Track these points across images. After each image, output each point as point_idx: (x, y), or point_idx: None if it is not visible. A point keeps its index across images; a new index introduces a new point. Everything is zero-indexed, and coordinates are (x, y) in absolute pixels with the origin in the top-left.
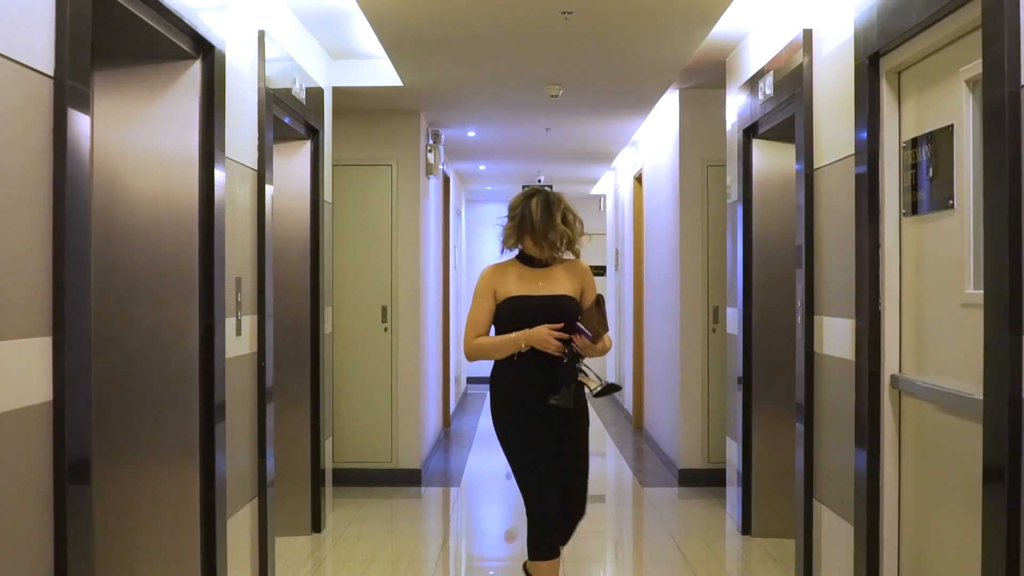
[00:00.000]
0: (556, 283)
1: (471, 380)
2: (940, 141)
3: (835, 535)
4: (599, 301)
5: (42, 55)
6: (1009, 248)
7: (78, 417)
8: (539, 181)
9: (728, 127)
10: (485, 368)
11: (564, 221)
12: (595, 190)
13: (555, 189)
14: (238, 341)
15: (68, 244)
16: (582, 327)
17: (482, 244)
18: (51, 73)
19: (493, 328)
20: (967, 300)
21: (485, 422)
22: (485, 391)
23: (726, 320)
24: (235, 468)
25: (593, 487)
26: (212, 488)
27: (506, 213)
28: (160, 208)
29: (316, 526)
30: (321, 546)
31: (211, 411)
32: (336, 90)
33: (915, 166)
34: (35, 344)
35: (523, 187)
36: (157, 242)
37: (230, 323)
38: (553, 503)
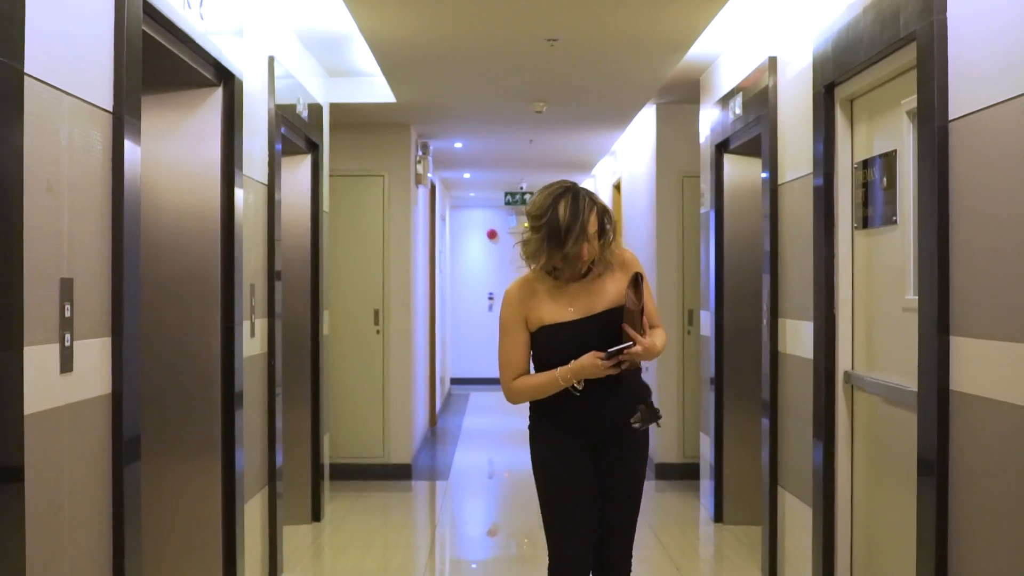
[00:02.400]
0: (597, 295)
1: (455, 381)
2: (886, 164)
3: (797, 518)
4: (636, 281)
5: (103, 93)
6: (938, 260)
7: (131, 408)
8: (521, 188)
9: (702, 141)
10: (468, 369)
11: (601, 231)
12: None
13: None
14: (252, 342)
15: (125, 257)
16: (629, 330)
17: (466, 250)
18: (110, 109)
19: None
20: (907, 305)
21: (469, 421)
22: (468, 391)
23: (700, 323)
24: (249, 459)
25: None
26: (232, 476)
27: (526, 222)
28: (186, 220)
29: (316, 515)
30: (322, 534)
31: (231, 406)
32: (333, 106)
33: (866, 185)
34: (100, 344)
35: (545, 187)
36: (183, 251)
37: (245, 326)
38: (581, 556)
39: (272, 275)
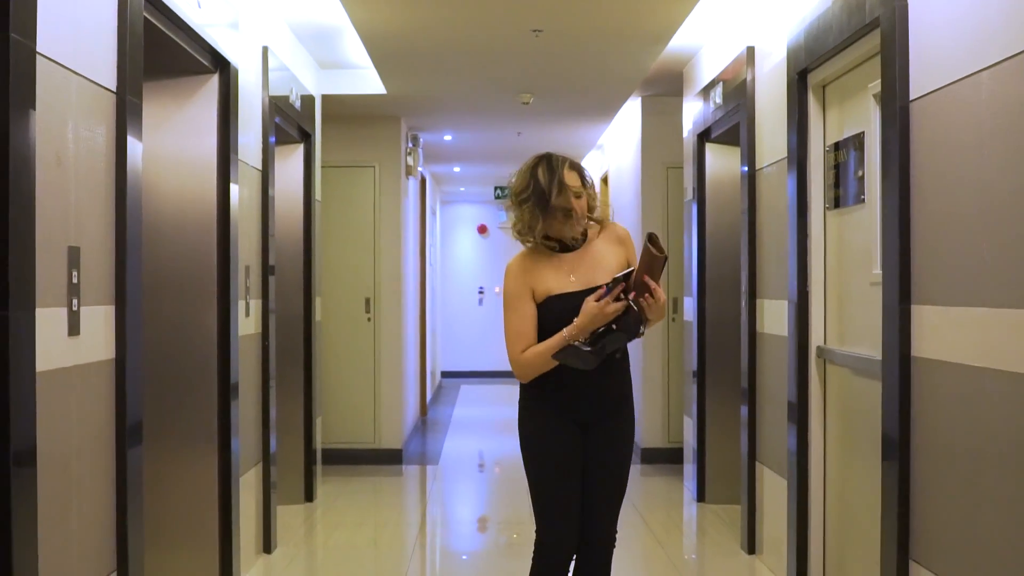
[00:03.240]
0: (597, 265)
1: (445, 374)
2: (855, 145)
3: (774, 491)
4: (652, 239)
5: (107, 74)
6: (899, 232)
7: (133, 373)
8: (511, 182)
9: (685, 132)
10: (458, 362)
11: (583, 184)
12: None
13: None
14: (247, 321)
15: (128, 230)
16: (648, 281)
17: (456, 244)
18: (114, 89)
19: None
20: (874, 279)
21: (460, 411)
22: (458, 384)
23: (684, 310)
24: (244, 436)
25: None
26: (228, 451)
27: (510, 205)
28: (183, 202)
29: (309, 496)
30: (314, 513)
31: (227, 382)
32: (325, 98)
33: (837, 166)
34: (104, 311)
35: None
36: (181, 232)
37: (240, 305)
38: (568, 535)
39: (266, 258)
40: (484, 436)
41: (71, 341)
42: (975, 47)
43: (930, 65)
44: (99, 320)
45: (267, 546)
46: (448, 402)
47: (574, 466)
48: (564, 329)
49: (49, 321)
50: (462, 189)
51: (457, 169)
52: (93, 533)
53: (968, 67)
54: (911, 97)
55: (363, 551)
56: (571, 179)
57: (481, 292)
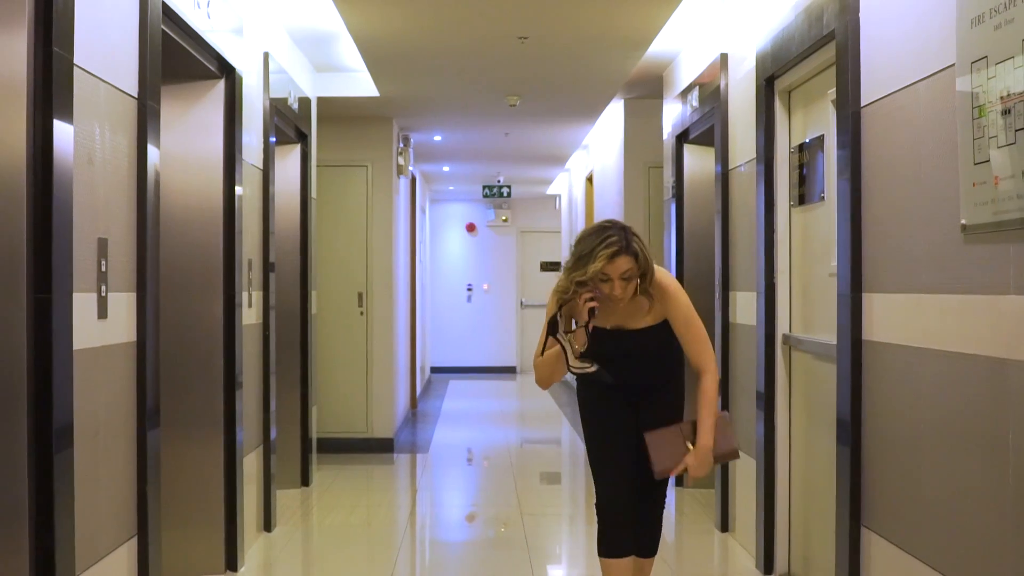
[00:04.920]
0: (632, 315)
1: (435, 370)
2: (816, 147)
3: (745, 472)
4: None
5: (130, 81)
6: (851, 227)
7: (151, 355)
8: (499, 182)
9: (665, 133)
10: (447, 358)
11: (642, 272)
12: (551, 190)
13: (514, 188)
14: (249, 312)
15: (148, 224)
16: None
17: (446, 243)
18: (135, 95)
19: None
20: (832, 271)
21: (448, 404)
22: (447, 379)
23: None
24: (247, 419)
25: (552, 457)
26: (233, 430)
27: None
28: (192, 199)
29: (305, 481)
30: (311, 496)
31: (232, 368)
32: (320, 99)
33: (801, 166)
34: (127, 297)
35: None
36: (190, 227)
37: (244, 296)
38: (624, 495)
39: (267, 252)
40: (473, 427)
41: (100, 323)
42: (915, 60)
43: (878, 75)
44: (123, 305)
45: (267, 525)
46: (437, 395)
47: (624, 430)
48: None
49: (83, 305)
50: (451, 188)
51: (446, 168)
52: (117, 500)
53: (909, 77)
54: (862, 104)
55: (357, 530)
56: (622, 264)
57: (470, 289)
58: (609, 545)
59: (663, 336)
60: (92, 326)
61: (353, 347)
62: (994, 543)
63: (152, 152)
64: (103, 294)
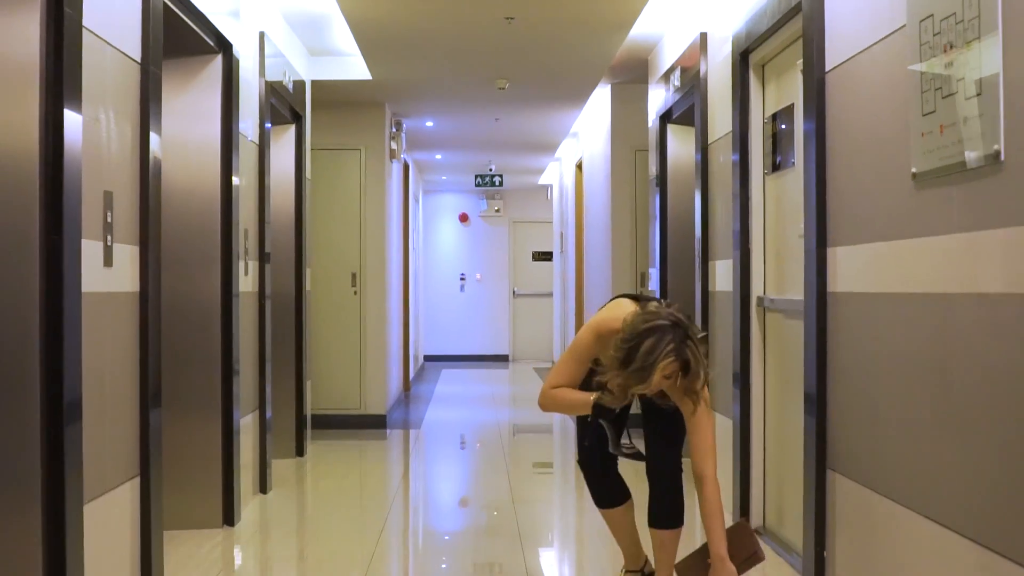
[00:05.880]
0: (661, 395)
1: (428, 358)
2: (787, 116)
3: (722, 432)
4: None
5: (134, 46)
6: (816, 184)
7: (153, 306)
8: (490, 170)
9: (650, 118)
10: (440, 347)
11: (687, 374)
12: (542, 180)
13: (506, 178)
14: (245, 280)
15: (150, 182)
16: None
17: (438, 233)
18: (139, 60)
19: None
20: (802, 232)
21: (441, 388)
22: (440, 367)
23: (649, 281)
24: (244, 380)
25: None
26: (231, 391)
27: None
28: (191, 169)
29: (300, 451)
30: (304, 465)
31: (229, 325)
32: (314, 83)
33: (774, 135)
34: (130, 249)
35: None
36: (189, 196)
37: (240, 265)
38: (599, 453)
39: (263, 222)
40: (465, 408)
41: (106, 271)
42: (872, 24)
43: (840, 41)
44: (126, 257)
45: (263, 487)
46: (430, 381)
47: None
48: (592, 395)
49: (90, 251)
50: (443, 178)
51: (439, 156)
52: (121, 441)
53: (867, 41)
54: (827, 69)
55: (350, 493)
56: (668, 369)
57: (463, 279)
58: (598, 497)
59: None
60: (99, 272)
61: (347, 326)
62: (939, 468)
63: (154, 115)
64: (109, 243)
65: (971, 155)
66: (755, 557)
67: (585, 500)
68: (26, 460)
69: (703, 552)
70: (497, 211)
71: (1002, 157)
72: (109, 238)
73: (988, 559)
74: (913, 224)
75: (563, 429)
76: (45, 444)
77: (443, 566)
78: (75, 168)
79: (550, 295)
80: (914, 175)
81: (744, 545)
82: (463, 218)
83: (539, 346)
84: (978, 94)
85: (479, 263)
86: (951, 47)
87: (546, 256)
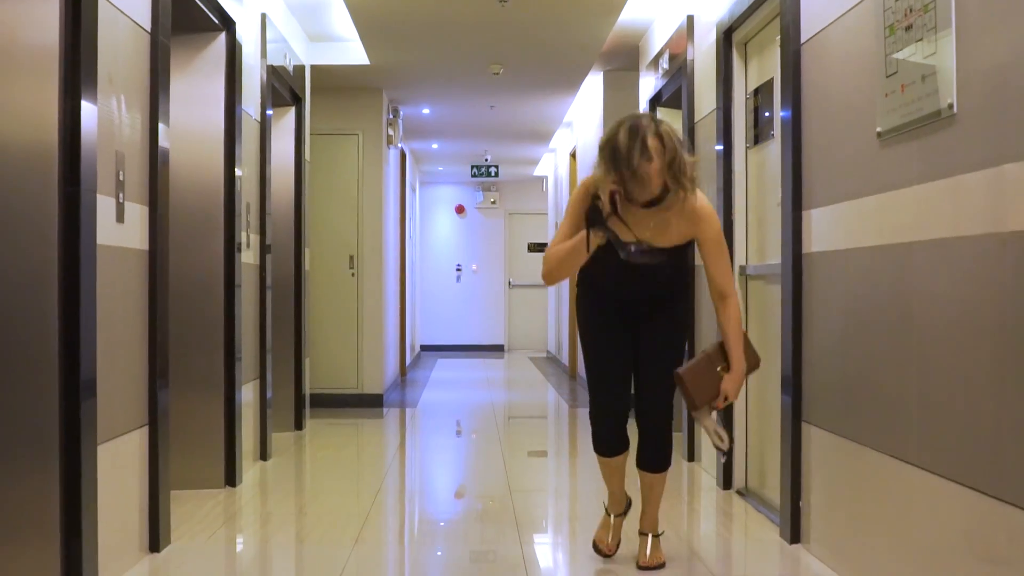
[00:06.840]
0: (659, 230)
1: (424, 348)
2: (767, 90)
3: None
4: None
5: (145, 16)
6: (792, 150)
7: (161, 264)
8: (486, 160)
9: (640, 101)
10: (436, 336)
11: (671, 162)
12: (538, 171)
13: (502, 169)
14: (247, 252)
15: (159, 144)
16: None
17: (435, 224)
18: (149, 29)
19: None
20: (779, 201)
21: (437, 374)
22: (436, 356)
23: None
24: (246, 349)
25: (535, 412)
26: (232, 356)
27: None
28: (195, 141)
29: (298, 425)
30: (303, 438)
31: (232, 295)
32: (313, 68)
33: (756, 109)
34: (140, 209)
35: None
36: (194, 168)
37: (242, 236)
38: (614, 403)
39: (264, 197)
40: (460, 391)
41: (118, 226)
42: None
43: (814, 13)
44: (136, 215)
45: (264, 454)
46: (427, 368)
47: (618, 343)
48: (580, 233)
49: (105, 206)
50: (440, 168)
51: (435, 146)
52: (131, 390)
53: (838, 11)
54: (802, 41)
55: (347, 461)
56: (652, 145)
57: (459, 269)
58: (603, 446)
59: (684, 255)
60: (112, 227)
61: (344, 307)
62: (902, 407)
63: (163, 81)
64: (120, 200)
65: (928, 110)
66: (757, 364)
67: (579, 454)
68: (45, 401)
69: (711, 359)
70: (493, 203)
71: (955, 109)
72: (121, 195)
73: (953, 490)
74: (877, 180)
75: (556, 412)
76: (62, 385)
77: (440, 524)
78: (90, 124)
79: (545, 286)
80: (879, 134)
81: (749, 355)
82: (459, 209)
83: (534, 336)
84: (934, 53)
85: (475, 254)
86: (911, 11)
87: (541, 247)
